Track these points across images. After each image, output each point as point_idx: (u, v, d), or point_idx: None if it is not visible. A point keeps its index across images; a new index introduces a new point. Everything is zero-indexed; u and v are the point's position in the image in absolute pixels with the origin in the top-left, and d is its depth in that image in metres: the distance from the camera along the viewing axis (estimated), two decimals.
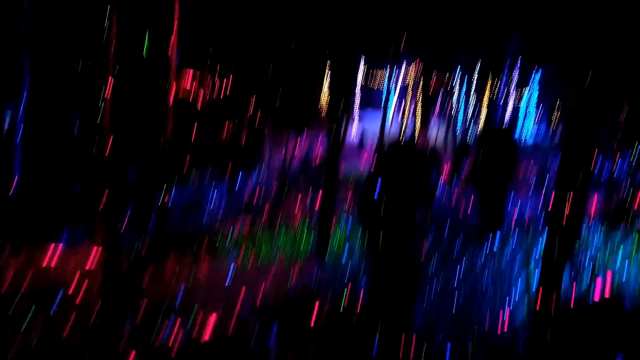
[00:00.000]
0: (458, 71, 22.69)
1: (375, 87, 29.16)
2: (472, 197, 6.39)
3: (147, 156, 5.65)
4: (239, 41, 8.09)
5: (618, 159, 8.62)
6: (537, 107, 23.14)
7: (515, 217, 6.84)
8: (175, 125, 5.13)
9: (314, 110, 13.47)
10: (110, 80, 4.65)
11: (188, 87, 6.96)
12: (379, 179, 3.79)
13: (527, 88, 22.74)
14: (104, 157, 4.54)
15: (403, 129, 23.43)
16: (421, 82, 23.23)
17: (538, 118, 23.66)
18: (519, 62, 21.27)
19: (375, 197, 3.75)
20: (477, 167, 5.94)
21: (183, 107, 7.29)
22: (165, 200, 5.12)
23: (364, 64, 25.53)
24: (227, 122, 8.65)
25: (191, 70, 7.07)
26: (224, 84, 7.95)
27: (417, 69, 24.13)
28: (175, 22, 5.28)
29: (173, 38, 5.21)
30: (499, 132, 6.26)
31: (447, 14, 14.81)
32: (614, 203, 7.03)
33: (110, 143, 4.57)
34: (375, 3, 11.02)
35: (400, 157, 3.92)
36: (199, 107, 8.15)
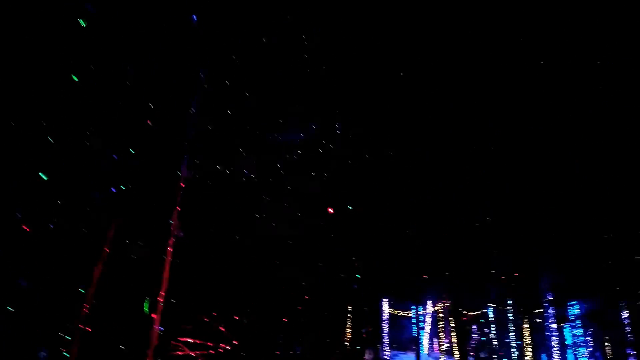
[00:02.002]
0: (489, 309, 21.51)
1: (403, 328, 27.33)
2: None
3: None
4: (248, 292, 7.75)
5: None
6: (585, 340, 21.02)
7: None
8: None
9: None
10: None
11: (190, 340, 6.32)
12: None
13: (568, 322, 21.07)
14: None
15: None
16: (451, 321, 21.80)
17: (591, 351, 21.25)
18: (553, 297, 20.14)
19: None
20: None
21: None
22: None
23: (389, 306, 24.52)
24: None
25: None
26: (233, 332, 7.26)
27: (445, 307, 22.99)
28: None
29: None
30: None
31: (472, 256, 14.61)
32: None
33: None
34: (397, 248, 11.04)
35: None
36: None
